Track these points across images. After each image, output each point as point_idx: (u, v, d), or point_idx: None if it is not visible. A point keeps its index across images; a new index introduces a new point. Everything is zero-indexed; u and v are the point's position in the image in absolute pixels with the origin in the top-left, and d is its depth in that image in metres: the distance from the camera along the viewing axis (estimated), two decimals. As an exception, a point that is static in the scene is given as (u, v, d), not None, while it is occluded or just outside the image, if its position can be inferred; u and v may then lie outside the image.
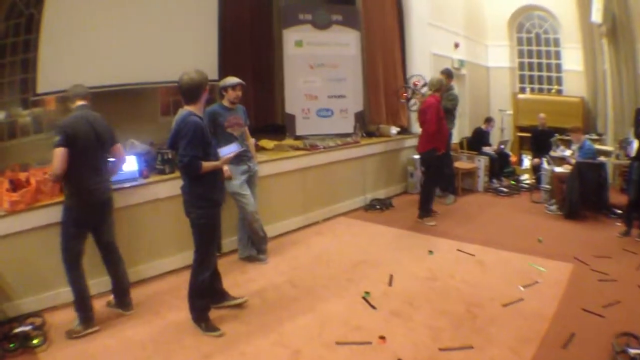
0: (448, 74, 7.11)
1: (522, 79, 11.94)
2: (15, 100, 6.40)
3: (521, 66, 11.96)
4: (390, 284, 4.31)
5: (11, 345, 3.27)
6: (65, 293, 3.75)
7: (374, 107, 7.72)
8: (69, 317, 3.63)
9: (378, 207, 6.83)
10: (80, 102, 3.56)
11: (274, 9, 8.84)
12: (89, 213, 3.53)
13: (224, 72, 6.25)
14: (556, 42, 11.23)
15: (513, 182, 8.22)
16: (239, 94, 4.64)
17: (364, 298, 4.00)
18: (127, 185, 4.41)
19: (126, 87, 6.06)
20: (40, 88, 5.50)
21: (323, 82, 7.19)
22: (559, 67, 11.28)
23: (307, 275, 4.56)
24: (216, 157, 3.49)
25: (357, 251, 5.18)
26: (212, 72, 6.41)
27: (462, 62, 9.82)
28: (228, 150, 3.61)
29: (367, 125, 7.67)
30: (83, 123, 3.45)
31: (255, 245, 4.99)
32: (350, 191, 6.81)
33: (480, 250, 5.03)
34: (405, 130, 7.78)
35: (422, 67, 8.05)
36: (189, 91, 3.34)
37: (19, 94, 6.29)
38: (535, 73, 11.74)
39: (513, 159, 9.58)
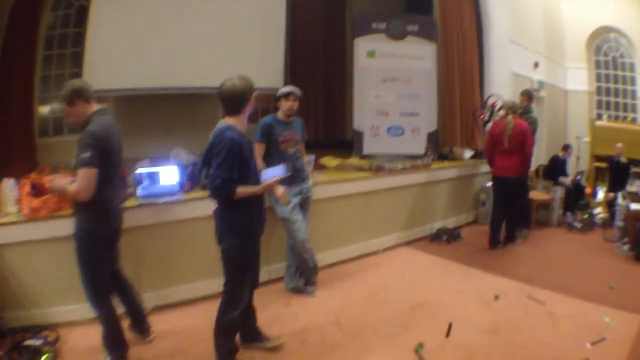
0: (528, 95, 6.36)
1: (599, 104, 10.97)
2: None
3: (598, 91, 10.99)
4: (448, 334, 3.64)
5: (18, 357, 3.03)
6: (84, 309, 3.36)
7: (448, 128, 6.90)
8: (85, 336, 3.36)
9: (445, 237, 6.08)
10: (97, 105, 2.88)
11: (347, 17, 8.20)
12: (113, 237, 3.03)
13: (292, 81, 5.66)
14: (632, 67, 10.31)
15: (586, 216, 7.32)
16: (293, 106, 4.02)
17: (416, 351, 3.38)
18: (162, 200, 3.92)
19: (180, 91, 5.56)
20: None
21: (395, 98, 6.43)
22: (634, 94, 10.38)
23: (357, 316, 3.95)
24: (256, 181, 2.90)
25: (417, 290, 4.51)
26: (277, 80, 5.84)
27: (541, 83, 8.90)
28: (271, 174, 3.00)
29: (439, 146, 6.86)
30: (113, 134, 2.87)
31: (304, 276, 4.38)
32: (415, 219, 6.07)
33: (551, 297, 4.34)
34: (479, 154, 6.94)
35: (501, 86, 7.29)
36: (230, 100, 2.79)
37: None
38: (612, 99, 10.85)
39: (587, 190, 8.62)
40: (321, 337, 3.59)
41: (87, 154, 2.63)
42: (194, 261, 4.09)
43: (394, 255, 5.55)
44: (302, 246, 4.15)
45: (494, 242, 5.73)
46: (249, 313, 3.22)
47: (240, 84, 2.76)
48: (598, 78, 10.98)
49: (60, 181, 2.78)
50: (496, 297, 4.31)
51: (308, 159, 4.50)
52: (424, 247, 5.87)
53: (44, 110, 5.77)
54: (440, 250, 5.74)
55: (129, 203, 3.78)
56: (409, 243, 5.94)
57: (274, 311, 3.94)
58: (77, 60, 5.62)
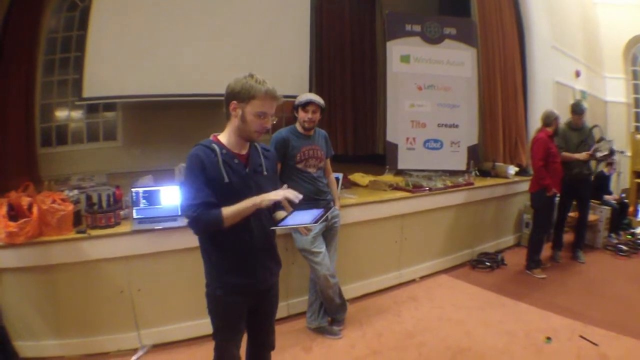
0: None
1: (636, 116, 9.86)
2: (67, 103, 5.43)
3: (636, 103, 9.88)
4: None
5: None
6: (54, 346, 3.03)
7: (490, 141, 5.93)
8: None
9: (487, 263, 5.13)
10: None
11: (377, 18, 7.31)
12: None
13: (318, 87, 4.82)
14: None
15: (629, 237, 6.37)
16: (313, 117, 3.17)
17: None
18: (160, 226, 3.13)
19: (195, 98, 4.80)
20: (87, 92, 4.27)
21: (433, 107, 5.52)
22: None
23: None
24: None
25: (459, 332, 3.67)
26: (301, 86, 5.05)
27: (584, 94, 7.85)
28: (299, 219, 1.94)
29: (480, 161, 5.90)
30: None
31: (329, 314, 3.54)
32: (455, 243, 5.14)
33: (605, 337, 3.55)
34: (523, 171, 5.96)
35: (545, 96, 6.28)
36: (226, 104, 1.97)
37: (72, 96, 5.26)
38: (651, 111, 9.69)
39: (630, 209, 7.61)
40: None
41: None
42: (195, 296, 3.28)
43: (431, 286, 4.64)
44: (325, 281, 3.33)
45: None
46: None
47: (233, 82, 1.93)
48: (635, 89, 9.89)
49: None
50: (548, 339, 3.52)
51: (333, 179, 3.66)
52: (464, 275, 4.96)
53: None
54: (482, 279, 4.83)
55: (121, 228, 3.13)
56: (448, 270, 5.03)
57: (292, 358, 3.18)
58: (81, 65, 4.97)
